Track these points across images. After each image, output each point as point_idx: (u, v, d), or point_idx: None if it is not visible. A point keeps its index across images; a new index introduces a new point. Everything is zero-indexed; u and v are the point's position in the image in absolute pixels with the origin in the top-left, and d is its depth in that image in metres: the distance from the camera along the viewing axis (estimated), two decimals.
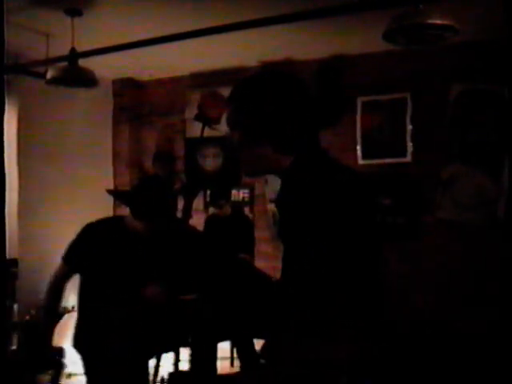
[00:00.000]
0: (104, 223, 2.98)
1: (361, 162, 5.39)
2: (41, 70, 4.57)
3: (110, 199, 6.01)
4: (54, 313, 2.95)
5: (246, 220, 5.27)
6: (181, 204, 4.77)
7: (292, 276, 1.49)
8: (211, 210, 5.48)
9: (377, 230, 1.57)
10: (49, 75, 4.25)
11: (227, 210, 4.98)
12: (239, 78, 6.01)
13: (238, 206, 5.74)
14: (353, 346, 1.40)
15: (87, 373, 2.87)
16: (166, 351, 3.43)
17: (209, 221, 5.20)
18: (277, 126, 1.54)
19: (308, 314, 1.45)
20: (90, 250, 2.85)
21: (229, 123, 1.65)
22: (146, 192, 2.78)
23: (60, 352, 2.94)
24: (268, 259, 5.25)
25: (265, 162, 1.59)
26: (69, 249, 2.91)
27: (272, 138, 1.54)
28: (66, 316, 5.12)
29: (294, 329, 1.49)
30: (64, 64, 4.13)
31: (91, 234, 2.89)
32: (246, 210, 5.89)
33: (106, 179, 6.32)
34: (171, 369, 3.49)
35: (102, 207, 6.05)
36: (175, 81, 6.29)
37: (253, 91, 1.59)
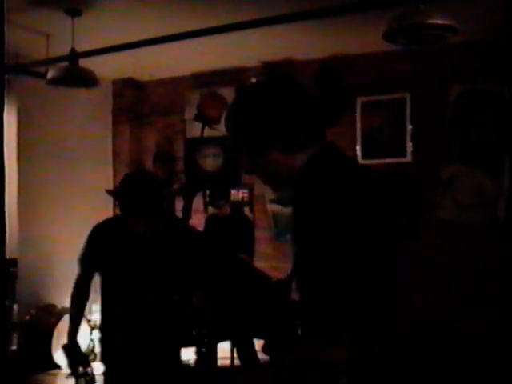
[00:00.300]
0: (109, 223, 2.99)
1: (361, 162, 5.38)
2: (41, 69, 4.58)
3: (110, 199, 6.00)
4: (80, 319, 2.95)
5: (246, 220, 5.27)
6: (181, 204, 4.77)
7: (311, 278, 1.48)
8: (211, 210, 5.48)
9: (396, 227, 1.57)
10: (49, 75, 4.25)
11: (226, 210, 4.98)
12: (239, 78, 5.99)
13: (238, 206, 5.74)
14: (353, 346, 1.40)
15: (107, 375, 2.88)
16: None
17: (208, 221, 5.20)
18: (285, 126, 1.53)
19: (322, 314, 1.44)
20: (98, 251, 2.87)
21: (234, 135, 1.60)
22: (130, 188, 2.77)
23: (87, 362, 2.91)
24: (268, 259, 5.25)
25: (278, 167, 1.57)
26: (81, 251, 2.94)
27: (278, 140, 1.53)
28: (66, 316, 5.12)
29: (302, 329, 1.50)
30: (64, 64, 4.14)
31: (98, 235, 2.90)
32: (246, 210, 5.89)
33: (106, 179, 6.31)
34: None
35: (101, 207, 6.06)
36: (175, 81, 6.29)
37: (255, 98, 1.58)
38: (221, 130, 5.68)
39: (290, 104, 1.55)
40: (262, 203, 5.82)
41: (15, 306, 4.76)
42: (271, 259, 5.25)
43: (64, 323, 5.05)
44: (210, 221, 5.18)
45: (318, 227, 1.43)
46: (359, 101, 5.42)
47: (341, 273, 1.39)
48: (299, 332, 1.54)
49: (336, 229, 1.40)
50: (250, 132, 1.56)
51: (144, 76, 6.34)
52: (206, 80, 6.06)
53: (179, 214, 4.98)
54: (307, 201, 1.48)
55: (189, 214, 4.16)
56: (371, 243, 1.43)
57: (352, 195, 1.44)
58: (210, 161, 6.12)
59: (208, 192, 5.74)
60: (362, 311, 1.40)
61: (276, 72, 5.51)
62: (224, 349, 4.83)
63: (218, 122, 5.74)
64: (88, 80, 4.34)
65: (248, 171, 1.64)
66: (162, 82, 6.39)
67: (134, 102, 6.52)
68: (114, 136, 6.54)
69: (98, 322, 5.56)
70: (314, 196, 1.46)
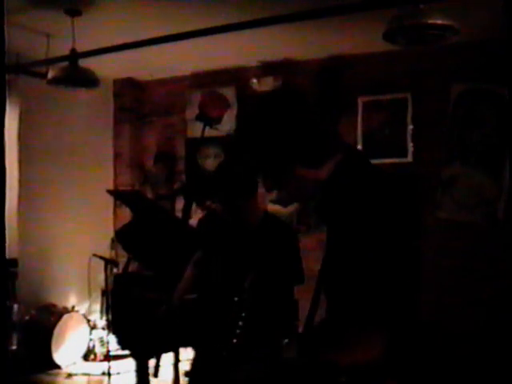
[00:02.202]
0: None
1: None
2: (41, 70, 4.58)
3: (111, 199, 6.01)
4: None
5: None
6: (181, 204, 4.77)
7: (343, 282, 1.49)
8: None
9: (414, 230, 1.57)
10: (49, 75, 4.26)
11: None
12: (239, 78, 5.95)
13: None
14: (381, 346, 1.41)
15: None
16: (166, 351, 3.43)
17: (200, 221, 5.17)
18: (310, 139, 1.51)
19: (345, 314, 1.45)
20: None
21: (257, 153, 1.56)
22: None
23: None
24: None
25: (305, 182, 1.55)
26: None
27: (308, 154, 1.52)
28: (66, 316, 5.12)
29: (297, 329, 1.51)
30: (65, 64, 4.14)
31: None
32: None
33: (107, 179, 6.32)
34: (171, 369, 3.49)
35: (102, 207, 6.06)
36: (175, 81, 6.29)
37: (275, 116, 1.53)
38: (222, 130, 5.68)
39: (310, 117, 1.53)
40: (262, 203, 5.81)
41: (15, 306, 4.76)
42: None
43: (64, 322, 5.06)
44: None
45: (353, 231, 1.44)
46: (360, 101, 5.41)
47: (378, 275, 1.39)
48: (300, 332, 1.55)
49: (371, 231, 1.41)
50: (276, 150, 1.52)
51: (144, 76, 6.34)
52: (207, 80, 6.06)
53: (179, 213, 4.98)
54: (341, 207, 1.49)
55: (189, 214, 4.16)
56: (404, 243, 1.44)
57: (383, 197, 1.45)
58: (211, 161, 6.11)
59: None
60: (385, 311, 1.40)
61: (276, 76, 5.50)
62: None
63: (219, 121, 5.74)
64: (88, 80, 4.34)
65: (271, 189, 1.62)
66: (162, 82, 6.38)
67: (135, 102, 6.52)
68: (115, 136, 6.54)
69: (98, 322, 5.58)
70: (348, 201, 1.47)
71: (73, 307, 5.43)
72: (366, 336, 1.40)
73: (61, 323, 5.01)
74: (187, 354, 4.54)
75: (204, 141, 5.83)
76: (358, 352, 1.41)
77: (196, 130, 5.80)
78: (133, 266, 4.86)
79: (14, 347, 4.80)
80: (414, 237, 1.52)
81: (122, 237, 4.05)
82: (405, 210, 1.49)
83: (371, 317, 1.39)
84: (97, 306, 5.63)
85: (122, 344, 3.95)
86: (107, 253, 5.36)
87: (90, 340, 5.33)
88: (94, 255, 5.02)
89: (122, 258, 5.10)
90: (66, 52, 4.07)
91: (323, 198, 1.57)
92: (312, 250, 3.49)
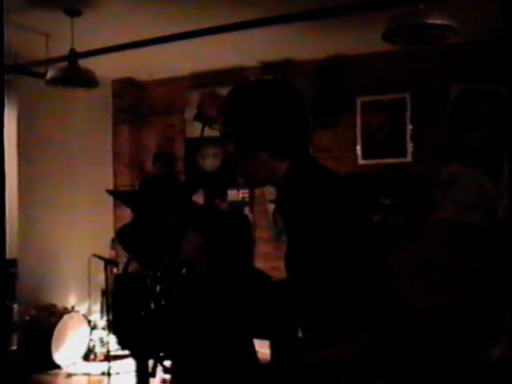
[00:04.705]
0: None
1: (361, 161, 5.39)
2: (41, 70, 4.57)
3: (110, 199, 6.01)
4: None
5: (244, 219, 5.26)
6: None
7: (295, 279, 1.51)
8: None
9: (373, 231, 1.58)
10: (48, 75, 4.25)
11: (224, 209, 4.98)
12: (239, 77, 5.96)
13: (238, 205, 5.74)
14: (353, 346, 1.41)
15: None
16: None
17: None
18: (274, 130, 1.56)
19: (311, 315, 1.46)
20: None
21: (223, 133, 1.64)
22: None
23: None
24: (268, 259, 5.24)
25: (263, 169, 1.60)
26: None
27: (269, 143, 1.56)
28: (66, 316, 5.12)
29: (298, 329, 1.51)
30: (64, 64, 4.13)
31: None
32: (246, 210, 5.89)
33: (106, 179, 6.32)
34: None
35: (101, 207, 6.06)
36: (175, 81, 6.29)
37: (247, 98, 1.60)
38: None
39: (288, 110, 1.57)
40: (262, 203, 5.82)
41: (15, 306, 4.76)
42: (271, 259, 5.24)
43: (64, 322, 5.06)
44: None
45: (299, 233, 1.47)
46: (359, 101, 5.42)
47: (320, 274, 1.41)
48: (299, 332, 1.55)
49: (315, 234, 1.43)
50: (245, 131, 1.58)
51: (144, 76, 6.34)
52: (206, 80, 6.06)
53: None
54: (287, 209, 1.54)
55: (189, 214, 4.14)
56: (348, 247, 1.44)
57: (328, 204, 1.47)
58: (210, 161, 6.12)
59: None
60: (354, 311, 1.40)
61: (276, 75, 5.51)
62: None
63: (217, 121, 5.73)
64: (88, 80, 4.33)
65: (233, 163, 1.66)
66: (161, 82, 6.39)
67: (134, 102, 6.52)
68: (114, 136, 6.54)
69: (98, 322, 5.58)
70: (292, 205, 1.51)
71: (72, 307, 5.43)
72: (337, 336, 1.41)
73: (61, 323, 5.00)
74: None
75: (203, 141, 5.83)
76: (331, 351, 1.41)
77: (195, 130, 5.81)
78: (133, 266, 4.86)
79: (14, 347, 4.80)
80: (370, 237, 1.53)
81: (122, 237, 4.05)
82: (352, 211, 1.50)
83: (340, 317, 1.40)
84: (97, 306, 5.63)
85: (122, 344, 3.95)
86: (107, 253, 5.36)
87: (90, 340, 5.32)
88: (94, 255, 5.02)
89: (122, 258, 5.11)
90: (65, 52, 4.07)
91: (280, 196, 1.62)
92: None
